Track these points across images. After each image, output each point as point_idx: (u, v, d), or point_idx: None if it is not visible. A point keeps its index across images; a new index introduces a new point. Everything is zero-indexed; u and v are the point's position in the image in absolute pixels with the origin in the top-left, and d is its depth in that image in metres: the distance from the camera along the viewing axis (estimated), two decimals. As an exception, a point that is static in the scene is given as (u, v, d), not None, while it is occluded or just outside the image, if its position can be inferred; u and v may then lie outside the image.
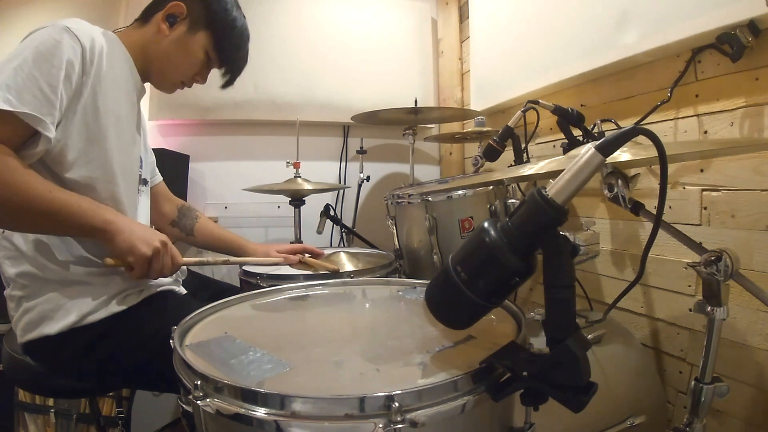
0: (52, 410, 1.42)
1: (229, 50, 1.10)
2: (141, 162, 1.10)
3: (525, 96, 1.77)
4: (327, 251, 1.47)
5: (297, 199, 1.84)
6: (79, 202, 0.86)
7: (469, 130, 2.00)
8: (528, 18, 1.81)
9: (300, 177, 1.78)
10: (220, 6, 1.07)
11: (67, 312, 0.92)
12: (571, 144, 1.31)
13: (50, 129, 0.84)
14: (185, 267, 1.20)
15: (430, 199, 1.37)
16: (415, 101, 1.84)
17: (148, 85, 1.12)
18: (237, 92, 2.13)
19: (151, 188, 1.22)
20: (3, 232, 0.96)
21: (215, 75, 1.16)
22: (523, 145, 1.46)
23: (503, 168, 1.55)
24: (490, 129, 1.87)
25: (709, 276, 0.72)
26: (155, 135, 2.18)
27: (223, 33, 1.08)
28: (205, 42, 1.07)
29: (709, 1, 1.11)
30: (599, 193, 0.94)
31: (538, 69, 1.73)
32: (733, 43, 1.07)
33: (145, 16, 1.06)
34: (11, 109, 0.79)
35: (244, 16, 1.12)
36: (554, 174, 0.68)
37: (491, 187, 1.34)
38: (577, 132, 1.32)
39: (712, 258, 0.71)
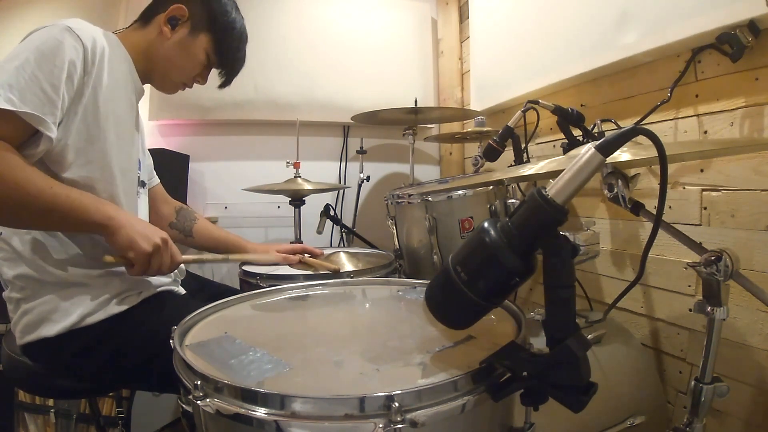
0: (52, 410, 1.42)
1: (228, 52, 1.11)
2: (139, 164, 1.11)
3: (525, 96, 1.77)
4: (327, 251, 1.47)
5: (297, 199, 1.84)
6: (80, 198, 0.86)
7: (469, 130, 2.00)
8: (528, 18, 1.81)
9: (300, 177, 1.78)
10: (220, 8, 1.07)
11: (66, 314, 0.92)
12: (571, 144, 1.31)
13: (52, 129, 0.84)
14: (184, 267, 1.20)
15: (430, 199, 1.37)
16: (415, 101, 1.84)
17: (147, 86, 1.12)
18: (237, 92, 2.13)
19: (148, 190, 1.22)
20: (0, 234, 0.96)
21: (215, 76, 1.16)
22: (523, 145, 1.46)
23: (503, 168, 1.55)
24: (490, 129, 1.88)
25: (709, 276, 0.73)
26: (155, 135, 2.18)
27: (223, 35, 1.09)
28: (207, 44, 1.08)
29: (709, 1, 1.11)
30: (599, 193, 0.95)
31: (538, 69, 1.73)
32: (733, 43, 1.07)
33: (146, 18, 1.06)
34: (13, 109, 0.79)
35: (243, 18, 1.13)
36: (554, 174, 0.68)
37: (491, 187, 1.34)
38: (577, 132, 1.32)
39: (712, 258, 0.71)
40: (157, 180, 1.31)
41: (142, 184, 1.13)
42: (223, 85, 1.17)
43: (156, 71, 1.08)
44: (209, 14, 1.06)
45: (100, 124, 0.92)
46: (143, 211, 1.12)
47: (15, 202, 0.81)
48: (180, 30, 1.05)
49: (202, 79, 1.14)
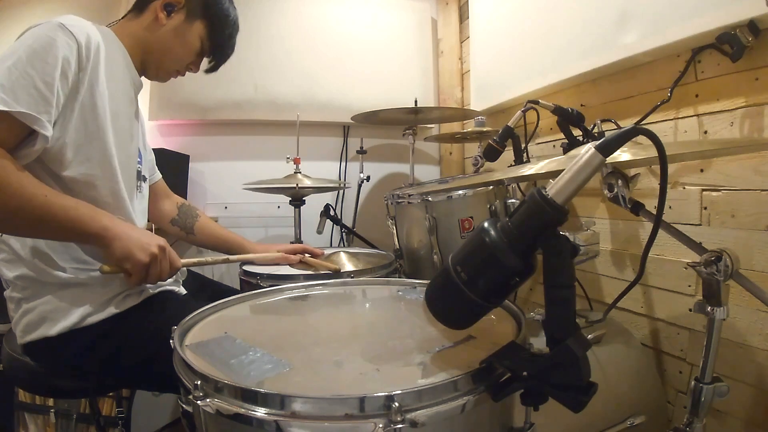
0: (52, 410, 1.42)
1: (222, 40, 1.12)
2: (140, 157, 1.10)
3: (525, 96, 1.77)
4: (327, 251, 1.47)
5: (297, 199, 1.84)
6: (76, 207, 0.85)
7: (469, 130, 2.00)
8: (528, 18, 1.81)
9: (300, 173, 1.77)
10: None
11: (67, 313, 0.92)
12: (571, 144, 1.31)
13: (47, 127, 0.83)
14: (185, 268, 1.20)
15: (430, 199, 1.37)
16: (415, 101, 1.84)
17: (147, 85, 1.12)
18: (237, 92, 2.13)
19: (150, 186, 1.22)
20: (0, 234, 0.95)
21: (214, 74, 1.16)
22: (523, 145, 1.46)
23: (503, 168, 1.55)
24: (490, 129, 1.88)
25: (709, 276, 0.73)
26: (155, 135, 2.18)
27: (218, 23, 1.09)
28: (201, 31, 1.08)
29: (709, 1, 1.11)
30: (599, 193, 0.94)
31: (538, 69, 1.73)
32: (733, 43, 1.07)
33: (140, 6, 1.06)
34: (7, 109, 0.78)
35: (235, 8, 1.13)
36: (554, 174, 0.68)
37: (491, 187, 1.34)
38: (577, 132, 1.32)
39: (712, 258, 0.71)
40: (159, 176, 1.30)
41: (143, 178, 1.13)
42: (210, 71, 1.17)
43: (151, 59, 1.08)
44: (204, 1, 1.07)
45: (98, 120, 0.92)
46: (144, 206, 1.12)
47: (8, 209, 0.80)
48: (175, 17, 1.05)
49: (195, 66, 1.14)
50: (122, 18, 1.08)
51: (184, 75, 1.15)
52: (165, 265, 0.92)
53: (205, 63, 1.16)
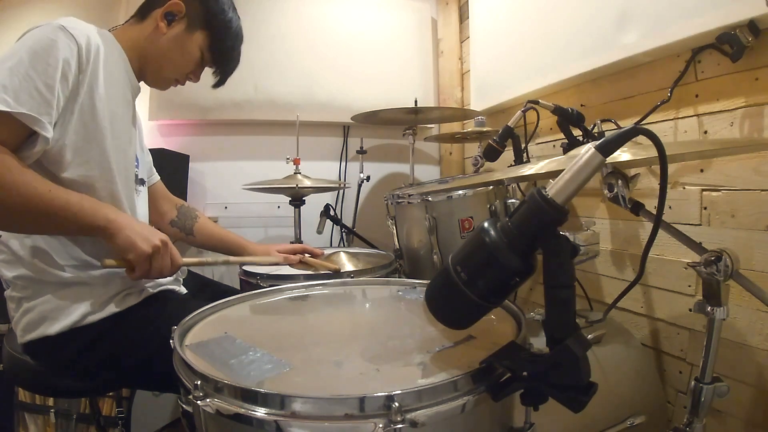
0: (52, 410, 1.42)
1: (223, 51, 1.11)
2: (137, 161, 1.10)
3: (525, 96, 1.77)
4: (327, 251, 1.47)
5: (297, 199, 1.84)
6: (80, 201, 0.86)
7: (469, 130, 2.01)
8: (528, 18, 1.81)
9: (300, 173, 1.78)
10: (217, 7, 1.08)
11: (68, 312, 0.92)
12: (571, 144, 1.31)
13: (48, 129, 0.84)
14: (185, 267, 1.20)
15: (430, 199, 1.37)
16: (415, 101, 1.84)
17: (147, 86, 1.12)
18: (237, 92, 2.13)
19: (148, 188, 1.22)
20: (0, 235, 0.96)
21: (211, 76, 1.16)
22: (523, 145, 1.46)
23: (503, 168, 1.55)
24: (490, 129, 1.88)
25: (709, 276, 0.73)
26: (155, 135, 2.18)
27: (219, 34, 1.09)
28: (202, 41, 1.08)
29: (709, 1, 1.11)
30: (599, 193, 0.94)
31: (538, 69, 1.73)
32: (733, 43, 1.07)
33: (142, 13, 1.06)
34: (8, 110, 0.79)
35: (239, 17, 1.13)
36: (554, 174, 0.68)
37: (491, 187, 1.34)
38: (577, 132, 1.32)
39: (712, 258, 0.71)
40: (157, 177, 1.30)
41: (141, 182, 1.13)
42: (217, 85, 1.17)
43: (149, 66, 1.08)
44: (206, 12, 1.06)
45: (97, 122, 0.92)
46: (143, 209, 1.12)
47: (14, 206, 0.81)
48: (176, 26, 1.05)
49: (195, 76, 1.14)
50: (124, 23, 1.08)
51: (183, 84, 1.14)
52: (167, 260, 0.92)
53: (211, 77, 1.15)
